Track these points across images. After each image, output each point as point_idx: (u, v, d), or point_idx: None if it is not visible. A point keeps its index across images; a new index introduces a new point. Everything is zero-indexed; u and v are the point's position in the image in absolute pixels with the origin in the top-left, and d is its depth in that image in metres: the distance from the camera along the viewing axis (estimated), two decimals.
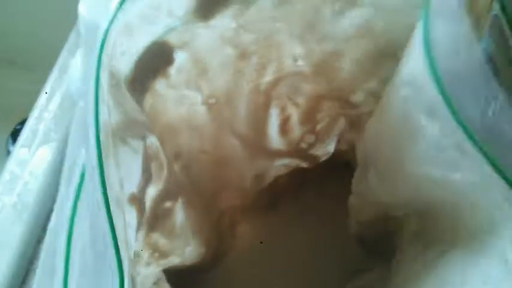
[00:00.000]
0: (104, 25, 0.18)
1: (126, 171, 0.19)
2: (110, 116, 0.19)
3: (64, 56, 0.46)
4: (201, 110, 0.26)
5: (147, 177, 0.21)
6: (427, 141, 0.21)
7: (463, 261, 0.21)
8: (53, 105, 0.43)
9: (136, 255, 0.25)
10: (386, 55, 0.25)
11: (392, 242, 0.30)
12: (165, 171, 0.23)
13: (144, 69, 0.21)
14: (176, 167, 0.28)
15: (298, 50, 0.25)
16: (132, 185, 0.20)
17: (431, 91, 0.19)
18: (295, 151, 0.33)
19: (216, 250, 0.35)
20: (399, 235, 0.29)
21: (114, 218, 0.17)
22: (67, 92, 0.42)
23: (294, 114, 0.30)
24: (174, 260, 0.28)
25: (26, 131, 0.41)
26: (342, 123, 0.32)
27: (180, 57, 0.22)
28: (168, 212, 0.26)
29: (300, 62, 0.25)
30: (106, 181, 0.17)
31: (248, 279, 0.36)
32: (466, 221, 0.22)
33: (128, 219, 0.19)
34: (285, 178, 0.37)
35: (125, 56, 0.20)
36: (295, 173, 0.37)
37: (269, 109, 0.28)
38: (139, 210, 0.21)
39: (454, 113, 0.18)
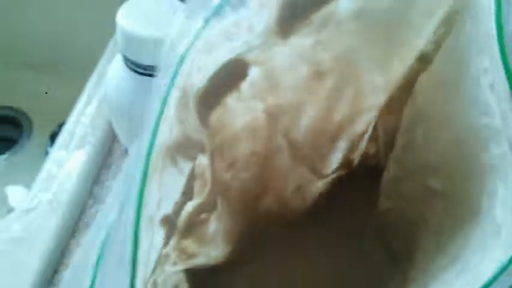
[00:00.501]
0: (183, 45, 0.16)
1: (167, 192, 0.19)
2: (170, 134, 0.18)
3: (103, 63, 0.47)
4: (261, 116, 0.24)
5: (185, 198, 0.20)
6: (471, 81, 0.20)
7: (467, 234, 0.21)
8: (90, 109, 0.43)
9: (166, 256, 0.24)
10: None
11: (412, 241, 0.29)
12: (207, 188, 0.22)
13: (218, 84, 0.20)
14: (228, 175, 0.27)
15: (378, 79, 0.23)
16: (169, 205, 0.19)
17: (488, 23, 0.18)
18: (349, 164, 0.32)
19: (243, 253, 0.34)
20: (421, 231, 0.28)
21: (140, 238, 0.16)
22: (104, 97, 0.41)
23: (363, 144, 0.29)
24: (200, 261, 0.27)
25: (64, 134, 0.41)
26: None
27: (254, 72, 0.21)
28: (203, 223, 0.25)
29: (381, 96, 0.24)
30: (144, 199, 0.16)
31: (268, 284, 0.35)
32: (478, 187, 0.20)
33: (155, 239, 0.18)
34: (324, 194, 0.36)
35: (200, 72, 0.19)
36: (332, 187, 0.36)
37: (337, 141, 0.27)
38: (168, 231, 0.20)
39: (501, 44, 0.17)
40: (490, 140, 0.19)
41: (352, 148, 0.29)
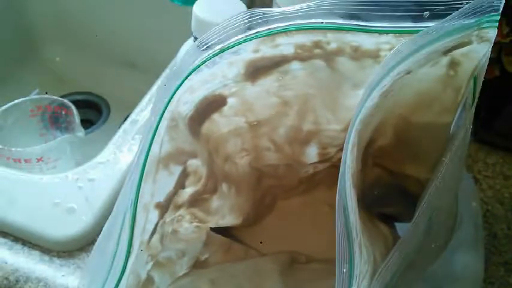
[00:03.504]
0: (170, 92, 0.24)
1: (159, 187, 0.27)
2: (160, 150, 0.26)
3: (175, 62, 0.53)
4: (243, 125, 0.31)
5: (177, 190, 0.29)
6: None
7: None
8: None
9: (181, 216, 0.33)
10: None
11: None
12: (202, 181, 0.31)
13: (202, 110, 0.28)
14: (227, 166, 0.34)
15: (330, 116, 0.30)
16: (161, 196, 0.28)
17: None
18: (327, 159, 0.39)
19: (253, 217, 0.42)
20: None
21: (136, 218, 0.25)
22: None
23: (334, 148, 0.35)
24: (212, 225, 0.35)
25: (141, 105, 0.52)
26: None
27: (231, 100, 0.29)
28: (205, 200, 0.33)
29: (333, 126, 0.31)
30: (139, 193, 0.25)
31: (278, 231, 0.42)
32: None
33: (150, 217, 0.27)
34: (323, 173, 0.42)
35: (186, 104, 0.27)
36: (332, 169, 0.42)
37: (309, 143, 0.34)
38: (162, 211, 0.29)
39: None
40: None
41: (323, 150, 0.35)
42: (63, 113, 0.56)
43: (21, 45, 0.76)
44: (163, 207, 0.28)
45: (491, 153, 0.48)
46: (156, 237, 0.28)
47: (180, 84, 0.24)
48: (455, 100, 0.26)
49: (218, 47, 0.24)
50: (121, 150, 0.47)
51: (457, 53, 0.24)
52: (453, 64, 0.24)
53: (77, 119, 0.54)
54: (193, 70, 0.24)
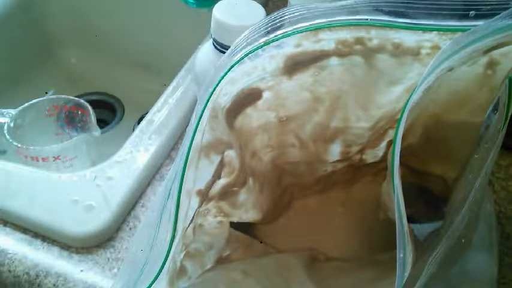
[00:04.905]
0: (215, 82, 0.24)
1: (200, 175, 0.28)
2: (202, 138, 0.26)
3: (192, 62, 0.53)
4: (273, 120, 0.32)
5: (215, 179, 0.29)
6: None
7: None
8: (180, 91, 0.52)
9: (208, 210, 0.33)
10: None
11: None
12: (235, 173, 0.31)
13: (239, 102, 0.27)
14: (253, 162, 0.34)
15: (360, 113, 0.30)
16: (202, 183, 0.28)
17: None
18: (347, 158, 0.39)
19: (271, 215, 0.41)
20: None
21: (181, 202, 0.26)
22: (192, 71, 0.48)
23: (357, 147, 0.35)
24: (234, 219, 0.36)
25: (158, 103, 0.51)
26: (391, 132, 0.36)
27: (266, 94, 0.29)
28: (234, 193, 0.34)
29: (362, 123, 0.31)
30: (184, 178, 0.26)
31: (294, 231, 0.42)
32: None
33: (192, 203, 0.28)
34: (340, 172, 0.42)
35: (226, 96, 0.26)
36: (348, 169, 0.42)
37: (334, 141, 0.34)
38: (201, 199, 0.29)
39: None
40: None
41: (347, 148, 0.35)
42: (79, 112, 0.56)
43: (37, 46, 0.76)
44: (204, 195, 0.28)
45: (504, 155, 0.48)
46: (191, 226, 0.28)
47: (224, 75, 0.24)
48: (490, 100, 0.26)
49: (262, 39, 0.24)
50: (138, 149, 0.47)
51: (496, 52, 0.24)
52: (491, 64, 0.24)
53: (93, 118, 0.54)
54: (238, 61, 0.24)
